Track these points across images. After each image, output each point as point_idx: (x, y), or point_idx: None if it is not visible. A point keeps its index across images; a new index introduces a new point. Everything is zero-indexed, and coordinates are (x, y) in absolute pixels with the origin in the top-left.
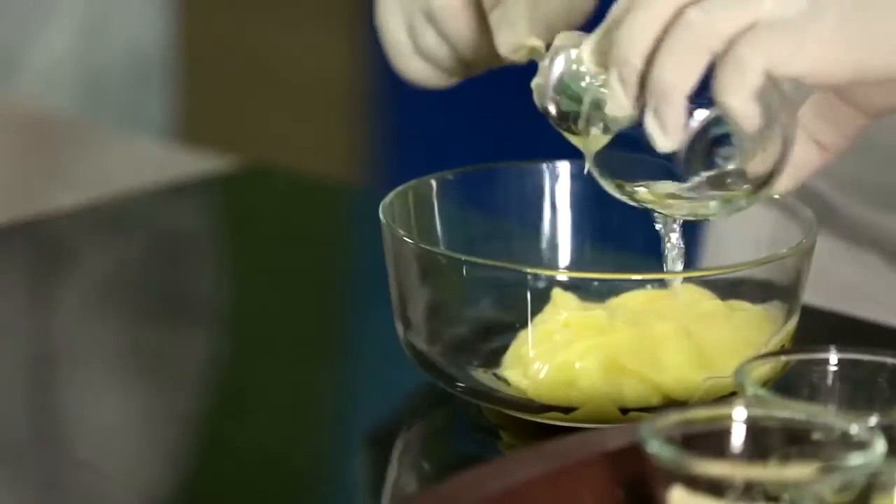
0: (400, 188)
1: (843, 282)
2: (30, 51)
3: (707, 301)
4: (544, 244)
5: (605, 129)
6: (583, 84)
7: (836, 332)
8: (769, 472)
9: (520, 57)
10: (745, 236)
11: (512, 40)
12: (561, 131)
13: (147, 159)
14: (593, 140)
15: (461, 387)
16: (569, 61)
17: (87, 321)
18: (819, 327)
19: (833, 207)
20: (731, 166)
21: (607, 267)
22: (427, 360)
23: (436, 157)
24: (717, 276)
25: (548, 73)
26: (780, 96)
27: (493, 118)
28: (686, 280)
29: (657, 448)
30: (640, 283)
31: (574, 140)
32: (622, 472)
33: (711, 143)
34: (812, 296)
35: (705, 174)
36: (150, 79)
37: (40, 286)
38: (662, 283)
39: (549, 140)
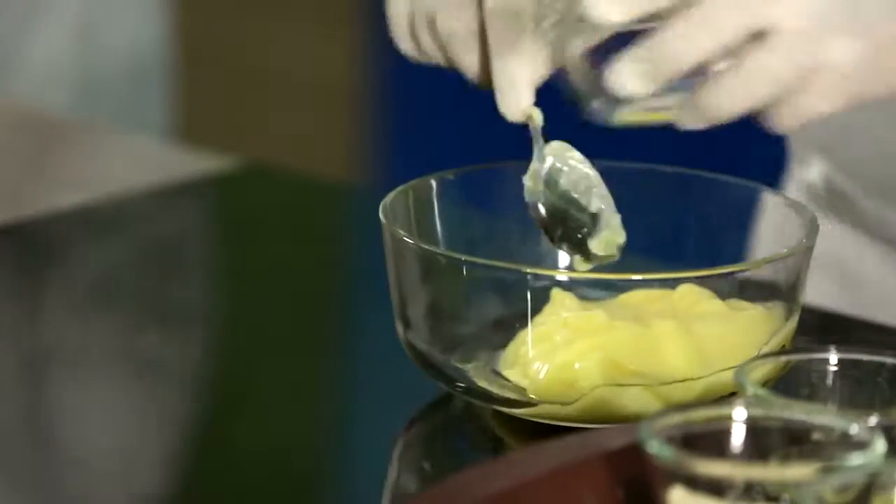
0: (400, 188)
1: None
2: (28, 51)
3: (707, 301)
4: (544, 244)
5: (586, 261)
6: (570, 179)
7: (836, 332)
8: (769, 472)
9: (518, 119)
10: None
11: (512, 107)
12: (546, 236)
13: (146, 159)
14: (577, 264)
15: (461, 387)
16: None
17: (87, 321)
18: (819, 327)
19: (859, 208)
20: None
21: (607, 267)
22: (427, 360)
23: (436, 157)
24: (717, 276)
25: (537, 178)
26: None
27: (493, 118)
28: (686, 280)
29: (657, 448)
30: (640, 283)
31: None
32: (622, 472)
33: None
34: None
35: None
36: (149, 78)
37: (39, 286)
38: (662, 284)
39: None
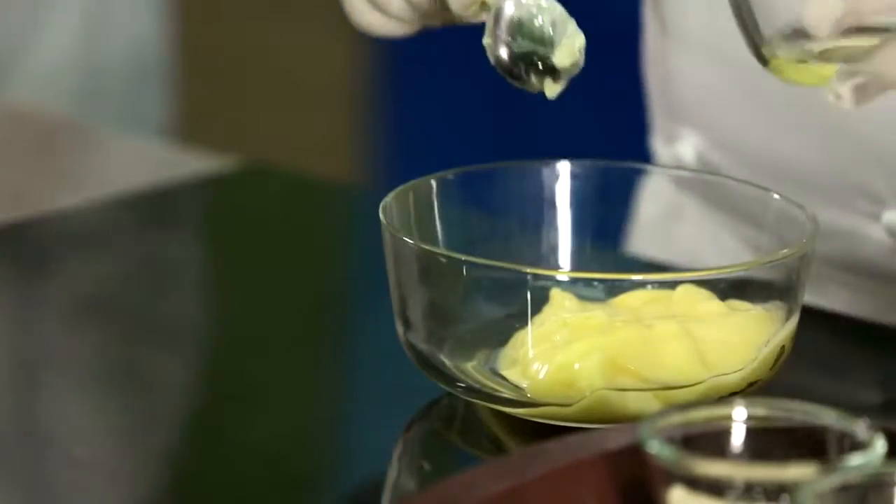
0: (400, 188)
1: None
2: (28, 51)
3: (707, 301)
4: (544, 244)
5: (558, 77)
6: (537, 24)
7: (836, 332)
8: (769, 472)
9: (472, 13)
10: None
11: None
12: (514, 83)
13: (146, 159)
14: (548, 89)
15: (461, 387)
16: (519, 4)
17: (86, 321)
18: (819, 327)
19: None
20: None
21: (607, 267)
22: (427, 360)
23: (436, 157)
24: (717, 276)
25: (499, 17)
26: None
27: (493, 118)
28: (686, 280)
29: (657, 448)
30: (640, 283)
31: (528, 88)
32: (622, 472)
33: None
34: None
35: None
36: (150, 78)
37: (38, 286)
38: (662, 284)
39: (549, 140)
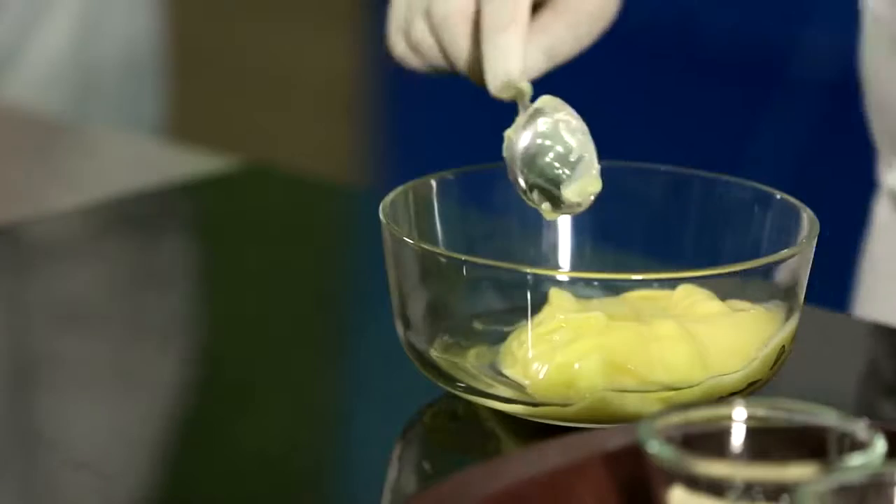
0: (400, 188)
1: None
2: (24, 50)
3: (707, 301)
4: (544, 244)
5: (556, 208)
6: (547, 160)
7: (835, 332)
8: (769, 472)
9: (507, 95)
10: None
11: (502, 80)
12: (519, 194)
13: (145, 159)
14: (546, 213)
15: (461, 386)
16: (536, 134)
17: (85, 321)
18: (819, 327)
19: None
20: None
21: (607, 267)
22: (427, 360)
23: (436, 157)
24: (717, 276)
25: (517, 140)
26: None
27: (493, 118)
28: (686, 280)
29: (657, 448)
30: (640, 283)
31: (530, 204)
32: (622, 472)
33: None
34: None
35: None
36: (146, 77)
37: (35, 287)
38: (662, 284)
39: None
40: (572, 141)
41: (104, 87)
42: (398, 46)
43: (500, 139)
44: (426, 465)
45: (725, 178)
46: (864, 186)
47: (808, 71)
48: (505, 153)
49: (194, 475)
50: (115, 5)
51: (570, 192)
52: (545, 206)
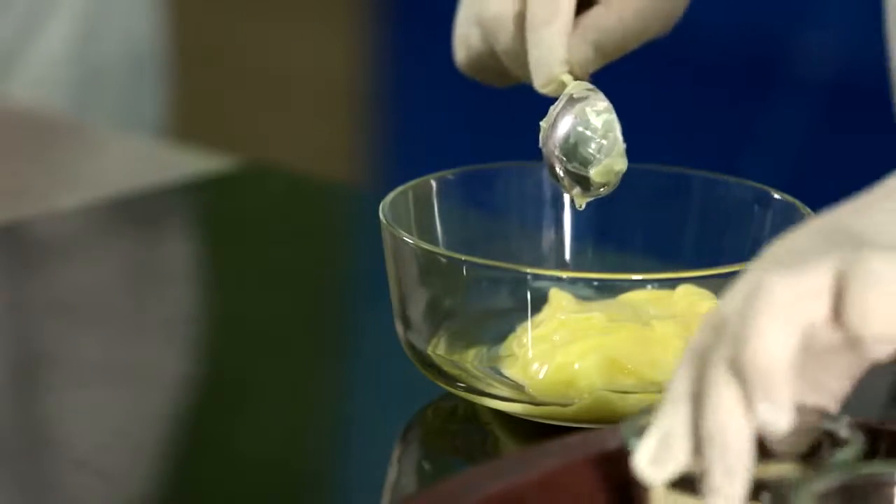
0: (400, 188)
1: None
2: (26, 48)
3: (707, 301)
4: (544, 244)
5: (585, 192)
6: (590, 149)
7: None
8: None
9: (551, 90)
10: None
11: (545, 73)
12: (551, 179)
13: (146, 159)
14: (577, 198)
15: (461, 386)
16: (576, 121)
17: (84, 322)
18: None
19: None
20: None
21: (607, 267)
22: (427, 360)
23: (436, 157)
24: (717, 276)
25: (552, 129)
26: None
27: (493, 118)
28: (686, 280)
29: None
30: (640, 283)
31: (562, 189)
32: (622, 472)
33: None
34: None
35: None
36: (147, 76)
37: (36, 286)
38: (662, 284)
39: None
40: (597, 122)
41: (106, 86)
42: (461, 59)
43: (500, 139)
44: (426, 465)
45: (725, 178)
46: (864, 185)
47: (808, 71)
48: (540, 144)
49: (194, 474)
50: (117, 4)
51: (596, 173)
52: (576, 192)
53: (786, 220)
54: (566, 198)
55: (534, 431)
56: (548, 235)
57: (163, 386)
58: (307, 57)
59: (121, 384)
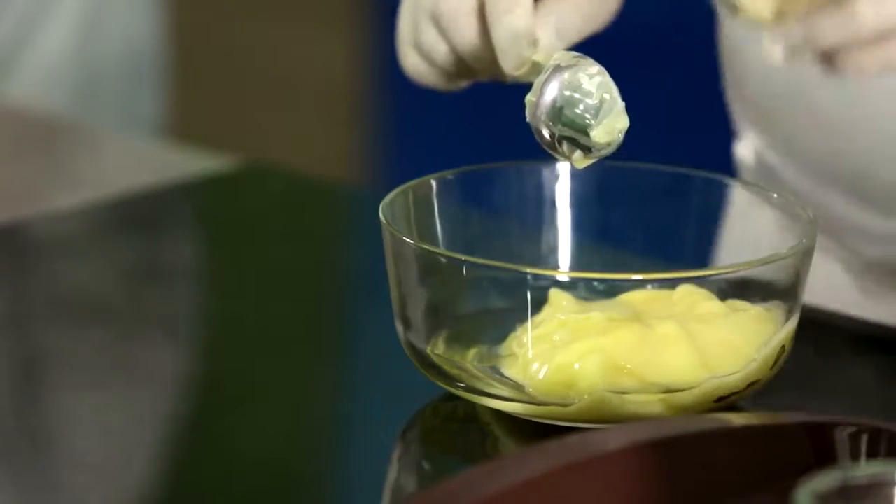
0: (400, 188)
1: None
2: (25, 49)
3: (707, 301)
4: (544, 244)
5: (587, 153)
6: (577, 111)
7: (836, 332)
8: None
9: (524, 73)
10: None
11: (515, 56)
12: (546, 150)
13: (146, 159)
14: (577, 162)
15: (461, 386)
16: (563, 86)
17: (83, 322)
18: (819, 327)
19: (785, 182)
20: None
21: (607, 267)
22: (427, 360)
23: (436, 157)
24: (717, 276)
25: (540, 96)
26: None
27: (493, 118)
28: (686, 280)
29: None
30: (640, 283)
31: (559, 157)
32: (622, 472)
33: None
34: None
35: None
36: (147, 78)
37: (35, 287)
38: (662, 284)
39: None
40: (591, 86)
41: (105, 86)
42: (409, 58)
43: (500, 139)
44: (426, 465)
45: (725, 178)
46: None
47: None
48: (528, 118)
49: (194, 474)
50: (116, 5)
51: (598, 134)
52: (576, 156)
53: (786, 220)
54: (564, 195)
55: (534, 431)
56: (548, 235)
57: (162, 386)
58: (307, 57)
59: (120, 384)
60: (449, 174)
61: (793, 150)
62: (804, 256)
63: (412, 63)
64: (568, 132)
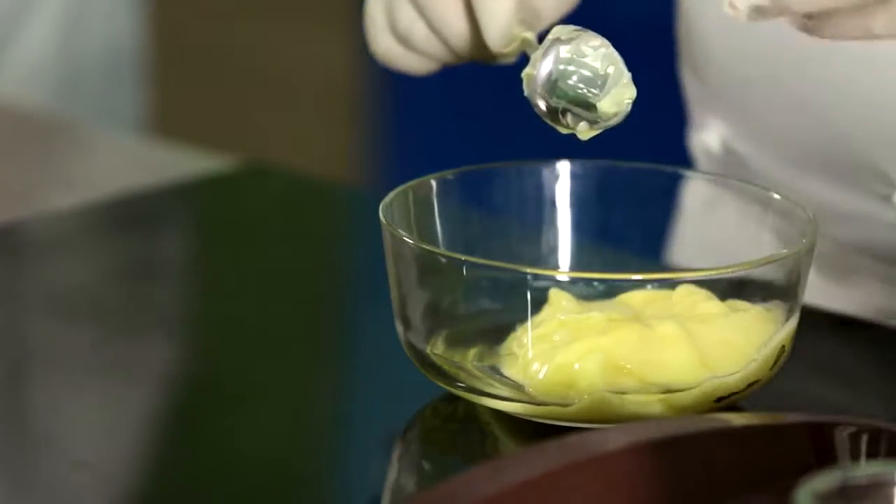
0: (400, 188)
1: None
2: (7, 46)
3: (707, 301)
4: (544, 244)
5: (593, 124)
6: (570, 82)
7: (836, 332)
8: None
9: (512, 49)
10: (744, 236)
11: (502, 33)
12: (547, 122)
13: (145, 159)
14: (581, 133)
15: (461, 386)
16: (558, 59)
17: (80, 323)
18: (819, 327)
19: (755, 170)
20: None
21: (607, 267)
22: (427, 360)
23: (436, 157)
24: (717, 276)
25: (538, 69)
26: None
27: (493, 118)
28: (685, 280)
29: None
30: (640, 283)
31: (561, 129)
32: (622, 472)
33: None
34: None
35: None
36: (131, 75)
37: (29, 288)
38: (662, 284)
39: (549, 140)
40: (594, 59)
41: (88, 84)
42: (383, 44)
43: (500, 139)
44: (426, 465)
45: (725, 178)
46: None
47: None
48: (526, 92)
49: (194, 474)
50: (98, 2)
51: (606, 105)
52: (581, 126)
53: (786, 220)
54: (564, 195)
55: (534, 431)
56: (548, 235)
57: (161, 386)
58: (307, 57)
59: (118, 384)
60: (449, 174)
61: (766, 134)
62: (804, 256)
63: (385, 47)
64: (568, 106)
